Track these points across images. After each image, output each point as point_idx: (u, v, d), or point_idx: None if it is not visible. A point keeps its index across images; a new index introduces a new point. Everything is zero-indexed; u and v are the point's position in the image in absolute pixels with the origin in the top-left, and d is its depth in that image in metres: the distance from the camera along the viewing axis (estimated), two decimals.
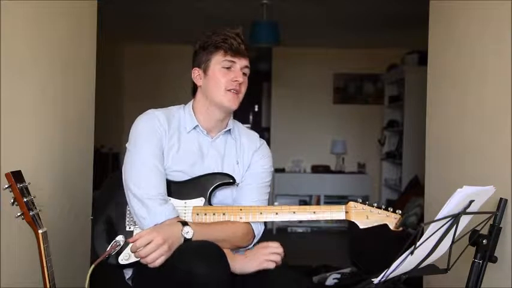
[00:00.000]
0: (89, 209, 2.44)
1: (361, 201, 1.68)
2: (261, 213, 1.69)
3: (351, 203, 1.68)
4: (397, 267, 1.34)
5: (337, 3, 4.35)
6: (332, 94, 6.61)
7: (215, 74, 1.71)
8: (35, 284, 1.70)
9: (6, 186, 1.43)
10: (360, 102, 6.61)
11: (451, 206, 1.35)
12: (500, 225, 1.60)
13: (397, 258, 1.34)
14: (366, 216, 1.66)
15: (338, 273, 3.77)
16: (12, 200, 1.44)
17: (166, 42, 6.29)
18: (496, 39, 1.74)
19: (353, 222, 1.66)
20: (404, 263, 1.34)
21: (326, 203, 6.41)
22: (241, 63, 1.72)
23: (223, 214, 1.67)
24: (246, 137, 1.84)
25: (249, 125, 7.62)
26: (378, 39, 5.79)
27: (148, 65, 6.39)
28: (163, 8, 4.59)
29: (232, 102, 1.71)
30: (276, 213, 1.69)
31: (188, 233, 1.53)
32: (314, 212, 1.68)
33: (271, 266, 1.57)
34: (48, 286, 1.45)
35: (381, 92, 6.47)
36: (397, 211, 1.66)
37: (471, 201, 1.40)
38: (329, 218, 1.69)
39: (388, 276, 1.35)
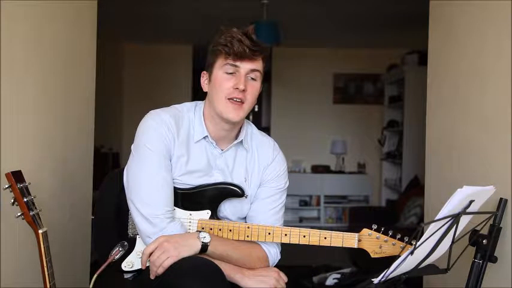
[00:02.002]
0: (89, 209, 2.44)
1: (376, 227, 1.58)
2: (269, 233, 1.59)
3: (365, 231, 1.59)
4: (397, 267, 1.34)
5: (337, 3, 4.35)
6: (332, 94, 6.62)
7: (217, 79, 1.55)
8: (35, 284, 1.70)
9: (6, 186, 1.43)
10: (360, 102, 6.62)
11: (451, 206, 1.35)
12: (500, 225, 1.60)
13: (397, 258, 1.34)
14: (379, 246, 1.58)
15: (338, 273, 3.77)
16: (12, 200, 1.44)
17: (166, 42, 6.29)
18: (496, 39, 1.74)
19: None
20: (404, 263, 1.34)
21: (326, 203, 6.43)
22: (246, 67, 1.53)
23: (230, 231, 1.58)
24: (258, 147, 1.69)
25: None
26: (378, 39, 5.79)
27: (148, 64, 6.39)
28: (163, 8, 4.59)
29: (234, 114, 1.54)
30: (285, 235, 1.59)
31: (205, 237, 1.48)
32: (325, 238, 1.59)
33: None
34: (48, 286, 1.44)
35: (381, 92, 6.48)
36: (412, 242, 1.52)
37: (471, 201, 1.40)
38: (340, 245, 1.59)
39: (388, 276, 1.35)
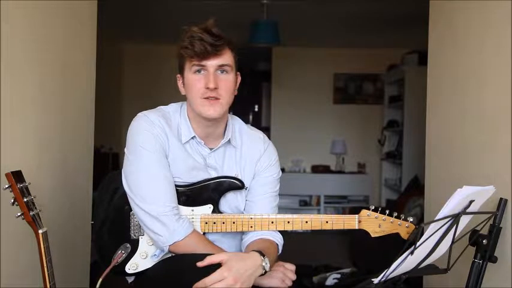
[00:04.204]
0: (89, 209, 2.44)
1: (373, 208, 1.64)
2: (272, 222, 1.63)
3: (364, 211, 1.64)
4: (397, 267, 1.34)
5: (337, 3, 4.35)
6: (332, 94, 6.61)
7: (189, 82, 1.55)
8: (35, 284, 1.70)
9: (6, 186, 1.43)
10: (360, 102, 6.62)
11: (451, 206, 1.35)
12: (500, 225, 1.60)
13: (397, 258, 1.34)
14: (379, 225, 1.64)
15: (338, 273, 3.77)
16: (12, 200, 1.44)
17: (166, 42, 6.28)
18: (496, 39, 1.74)
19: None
20: (404, 263, 1.34)
21: (326, 203, 6.43)
22: (213, 64, 1.52)
23: (233, 223, 1.61)
24: (248, 142, 1.70)
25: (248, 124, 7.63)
26: (378, 39, 5.79)
27: (147, 64, 6.39)
28: (162, 8, 4.60)
29: (212, 111, 1.53)
30: (288, 222, 1.63)
31: (267, 264, 1.47)
32: (327, 222, 1.63)
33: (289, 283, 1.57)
34: (48, 286, 1.44)
35: (381, 92, 6.47)
36: (409, 219, 1.64)
37: (471, 201, 1.40)
38: (342, 228, 1.63)
39: (388, 276, 1.35)
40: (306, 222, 1.64)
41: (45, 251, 1.45)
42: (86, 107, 2.40)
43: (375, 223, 1.64)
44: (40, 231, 1.45)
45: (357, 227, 1.64)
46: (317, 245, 5.34)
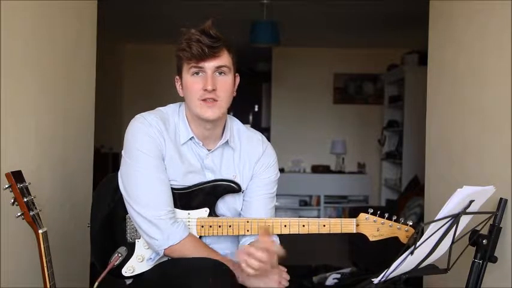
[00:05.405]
0: (89, 210, 2.43)
1: (372, 211, 1.62)
2: (268, 226, 1.61)
3: (363, 215, 1.62)
4: (397, 267, 1.34)
5: (337, 4, 4.35)
6: (332, 94, 6.62)
7: (187, 84, 1.55)
8: (35, 284, 1.70)
9: (7, 186, 1.43)
10: (360, 102, 6.62)
11: (451, 206, 1.35)
12: (500, 225, 1.60)
13: (397, 258, 1.34)
14: (377, 229, 1.62)
15: (338, 273, 3.77)
16: (12, 200, 1.44)
17: (166, 42, 6.29)
18: (496, 39, 1.74)
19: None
20: (404, 263, 1.34)
21: (326, 203, 6.43)
22: (212, 65, 1.51)
23: (229, 226, 1.60)
24: (246, 144, 1.69)
25: (248, 125, 7.64)
26: (378, 39, 5.79)
27: (148, 64, 6.39)
28: (163, 8, 4.60)
29: (210, 113, 1.53)
30: (285, 226, 1.61)
31: None
32: (324, 225, 1.61)
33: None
34: (48, 286, 1.44)
35: (381, 92, 6.47)
36: (408, 222, 1.62)
37: (471, 201, 1.40)
38: (339, 231, 1.61)
39: (388, 276, 1.35)
40: (303, 225, 1.61)
41: (45, 251, 1.45)
42: (86, 107, 2.40)
43: (374, 227, 1.62)
44: (40, 231, 1.45)
45: (354, 231, 1.62)
46: (317, 245, 5.35)
